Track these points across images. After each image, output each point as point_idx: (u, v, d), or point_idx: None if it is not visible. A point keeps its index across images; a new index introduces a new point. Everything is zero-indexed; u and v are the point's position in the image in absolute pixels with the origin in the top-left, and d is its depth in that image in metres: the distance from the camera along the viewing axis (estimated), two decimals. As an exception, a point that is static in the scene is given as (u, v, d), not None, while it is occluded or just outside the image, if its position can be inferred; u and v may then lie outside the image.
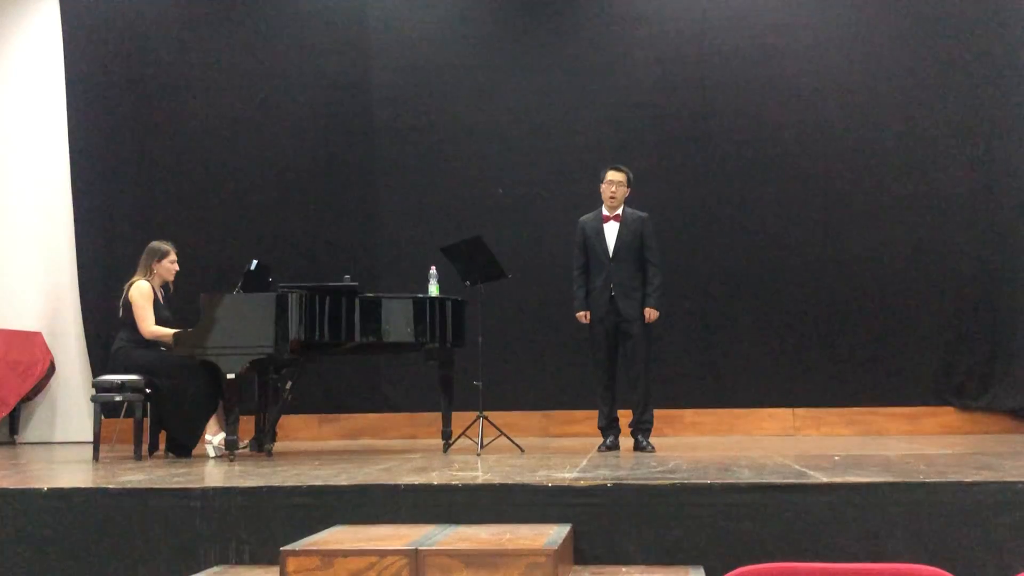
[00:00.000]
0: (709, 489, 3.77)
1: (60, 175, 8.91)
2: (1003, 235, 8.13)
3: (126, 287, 6.37)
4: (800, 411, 8.21)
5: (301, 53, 8.81)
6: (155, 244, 6.56)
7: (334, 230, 8.63)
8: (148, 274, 6.44)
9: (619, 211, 6.35)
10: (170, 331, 6.19)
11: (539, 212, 8.46)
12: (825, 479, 3.87)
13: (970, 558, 3.52)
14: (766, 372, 8.24)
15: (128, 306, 6.31)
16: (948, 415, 8.11)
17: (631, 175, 6.41)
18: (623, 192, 6.35)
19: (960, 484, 3.70)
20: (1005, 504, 3.60)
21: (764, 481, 3.83)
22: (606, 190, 6.34)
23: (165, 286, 6.58)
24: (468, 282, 6.56)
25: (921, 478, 3.82)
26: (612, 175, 6.34)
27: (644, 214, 6.39)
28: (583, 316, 6.34)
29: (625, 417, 6.38)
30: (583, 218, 6.48)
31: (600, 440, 6.32)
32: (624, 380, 6.35)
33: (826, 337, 8.23)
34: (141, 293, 6.30)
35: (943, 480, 3.76)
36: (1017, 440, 6.96)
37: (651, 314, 6.25)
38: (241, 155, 8.77)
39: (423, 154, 8.67)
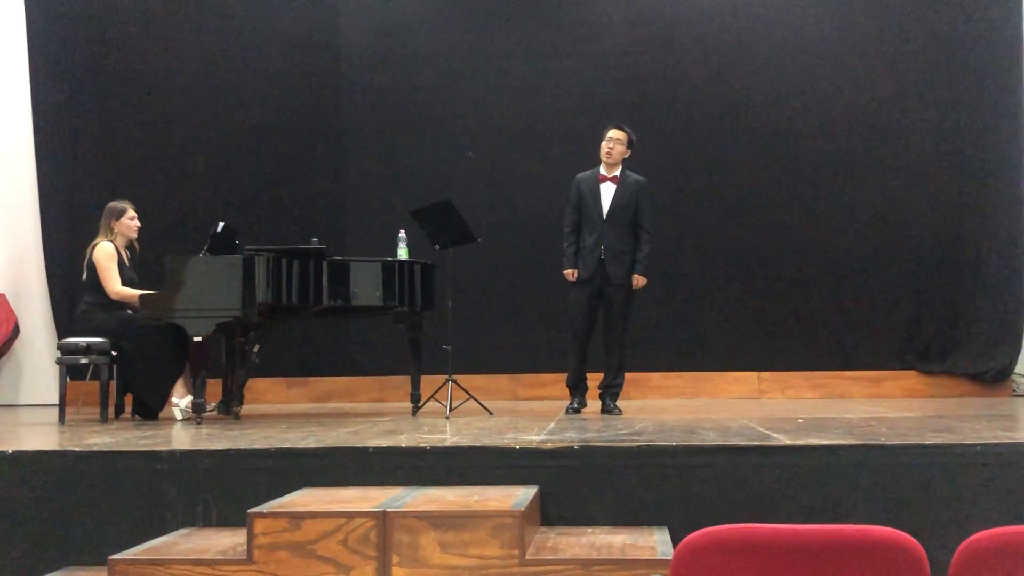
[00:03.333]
0: (674, 451, 3.83)
1: (22, 135, 8.76)
2: (966, 203, 8.23)
3: (89, 249, 6.30)
4: (765, 375, 8.30)
5: (270, 11, 8.69)
6: (112, 203, 6.49)
7: (302, 192, 8.57)
8: (110, 234, 6.37)
9: (617, 172, 6.27)
10: (136, 292, 6.14)
11: (509, 175, 8.44)
12: (788, 441, 3.93)
13: (930, 519, 3.59)
14: (732, 336, 8.32)
15: (92, 268, 6.24)
16: (911, 379, 8.23)
17: (633, 136, 6.30)
18: (620, 151, 6.24)
19: (920, 446, 3.77)
20: (964, 466, 3.68)
21: (728, 443, 3.89)
22: (604, 147, 6.23)
23: (131, 247, 6.51)
24: (437, 246, 6.54)
25: (882, 440, 3.88)
26: (612, 132, 6.22)
27: (642, 178, 6.30)
28: (571, 274, 6.24)
29: (594, 379, 6.41)
30: (579, 175, 6.36)
31: (568, 400, 6.35)
32: (599, 342, 6.35)
33: (791, 302, 8.31)
34: (105, 254, 6.24)
35: (904, 443, 3.82)
36: (977, 403, 7.08)
37: (639, 281, 6.22)
38: (207, 114, 8.66)
39: (392, 116, 8.61)
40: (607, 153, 6.22)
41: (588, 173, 6.35)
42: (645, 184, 6.31)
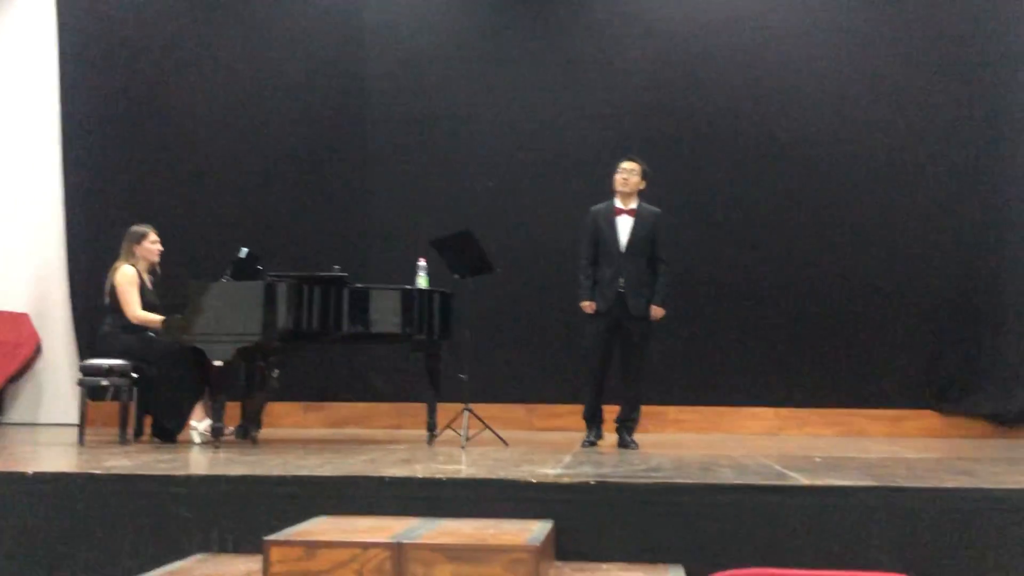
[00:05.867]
0: (690, 489, 3.82)
1: (51, 157, 8.87)
2: (986, 240, 8.19)
3: (110, 272, 6.36)
4: (783, 411, 8.26)
5: (296, 41, 8.78)
6: (134, 227, 6.54)
7: (325, 220, 8.62)
8: (131, 258, 6.43)
9: (633, 204, 6.29)
10: (157, 316, 6.20)
11: (529, 207, 8.46)
12: (805, 481, 3.91)
13: (947, 564, 3.56)
14: (750, 371, 8.28)
15: (113, 291, 6.30)
16: (929, 418, 8.17)
17: (647, 169, 6.34)
18: (635, 181, 6.27)
19: (938, 490, 3.75)
20: (982, 511, 3.65)
21: (745, 482, 3.88)
22: (617, 178, 6.27)
23: (152, 271, 6.56)
24: (457, 275, 6.57)
25: (900, 483, 3.87)
26: (625, 163, 6.28)
27: (658, 209, 6.33)
28: (588, 306, 6.25)
29: (611, 412, 6.40)
30: (595, 207, 6.38)
31: (584, 432, 6.34)
32: (616, 375, 6.34)
33: (810, 338, 8.27)
34: (125, 278, 6.29)
35: (922, 486, 3.81)
36: (996, 445, 7.03)
37: (657, 312, 6.23)
38: (233, 142, 8.74)
39: (415, 146, 8.66)
40: (622, 183, 6.25)
41: (603, 205, 6.37)
42: (662, 215, 6.33)
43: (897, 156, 8.30)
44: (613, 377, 6.38)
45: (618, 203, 6.30)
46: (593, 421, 6.33)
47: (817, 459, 5.17)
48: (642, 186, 6.33)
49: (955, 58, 8.30)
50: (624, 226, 6.26)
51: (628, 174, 6.26)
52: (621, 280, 6.18)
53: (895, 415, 8.17)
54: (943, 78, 8.30)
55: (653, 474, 4.16)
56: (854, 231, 8.28)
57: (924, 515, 3.66)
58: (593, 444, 6.21)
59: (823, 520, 3.69)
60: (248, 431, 6.41)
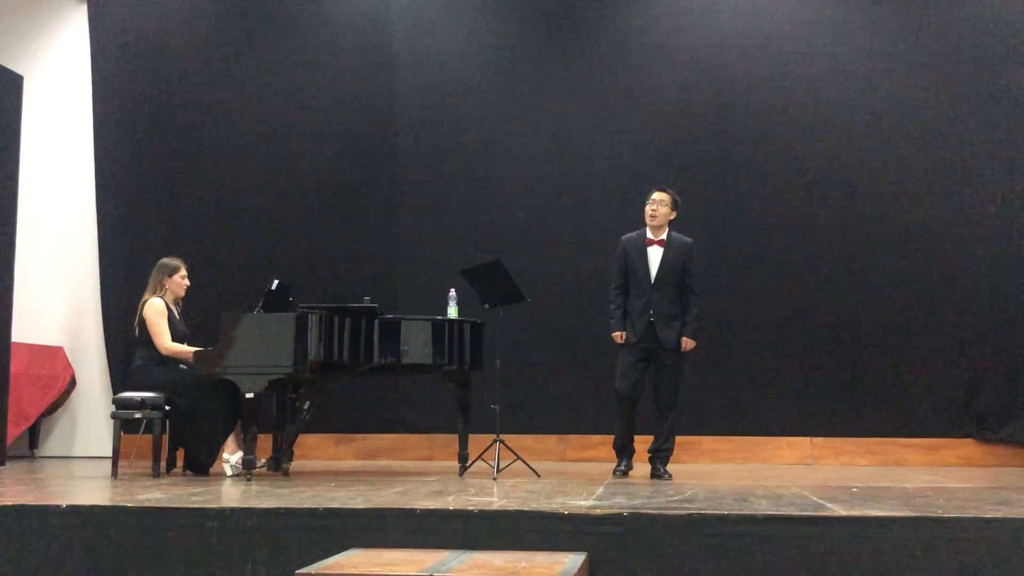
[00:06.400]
0: (725, 520, 3.76)
1: (85, 191, 9.00)
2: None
3: (140, 305, 6.42)
4: (818, 440, 8.16)
5: (326, 73, 8.87)
6: (165, 260, 6.61)
7: (355, 251, 8.67)
8: (160, 290, 6.48)
9: (664, 235, 6.28)
10: (188, 348, 6.24)
11: (560, 236, 8.47)
12: (842, 512, 3.85)
13: (988, 596, 3.49)
14: (785, 400, 8.20)
15: (143, 324, 6.35)
16: (968, 447, 8.03)
17: (677, 199, 6.33)
18: (664, 212, 6.26)
19: (978, 520, 3.67)
20: (1023, 541, 3.58)
21: (781, 513, 3.82)
22: (648, 209, 6.27)
23: (176, 303, 6.61)
24: (487, 305, 6.57)
25: (939, 513, 3.79)
26: (655, 194, 6.27)
27: (690, 239, 6.32)
28: (619, 336, 6.26)
29: (640, 443, 6.36)
30: (625, 236, 6.39)
31: (615, 461, 6.29)
32: (648, 406, 6.30)
33: (845, 366, 8.18)
34: (155, 310, 6.35)
35: (962, 515, 3.73)
36: (1038, 474, 6.90)
37: (688, 344, 6.20)
38: (265, 174, 8.82)
39: (445, 176, 8.70)
40: (651, 216, 6.24)
41: (634, 235, 6.35)
42: (692, 245, 6.31)
43: (933, 180, 8.23)
44: (646, 407, 6.34)
45: (649, 233, 6.29)
46: (624, 452, 6.29)
47: (854, 489, 5.10)
48: (672, 216, 6.30)
49: (991, 82, 8.22)
50: (654, 257, 6.24)
51: (658, 205, 6.25)
52: (651, 311, 6.15)
53: (933, 444, 8.05)
54: (978, 101, 8.23)
55: (687, 505, 4.11)
56: (890, 258, 8.20)
57: (964, 546, 3.59)
58: (624, 474, 6.17)
59: (861, 552, 3.62)
60: (280, 463, 6.41)
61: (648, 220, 6.27)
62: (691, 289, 6.24)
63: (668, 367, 6.19)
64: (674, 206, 6.30)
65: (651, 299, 6.17)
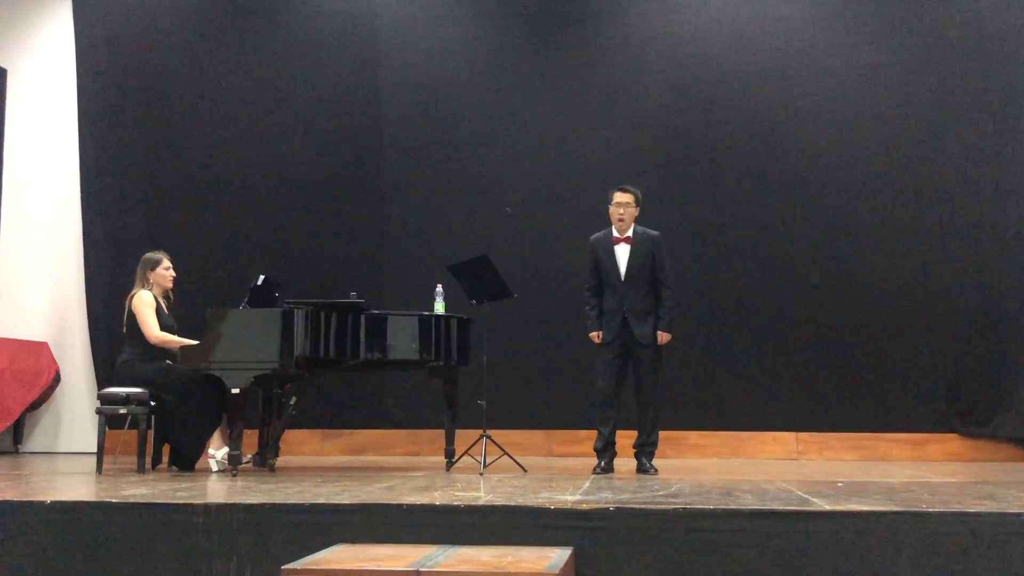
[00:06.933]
0: (711, 514, 3.77)
1: (70, 186, 8.96)
2: (1009, 263, 8.11)
3: (127, 300, 6.41)
4: (804, 435, 8.19)
5: (311, 68, 8.85)
6: (148, 254, 6.60)
7: (341, 247, 8.65)
8: (146, 284, 6.48)
9: (629, 232, 6.32)
10: (176, 338, 6.24)
11: (546, 231, 8.47)
12: (827, 507, 3.86)
13: (972, 589, 3.51)
14: (770, 395, 8.22)
15: (132, 318, 6.34)
16: (953, 442, 8.08)
17: (639, 194, 6.34)
18: (631, 213, 6.30)
19: (963, 514, 3.69)
20: (1008, 536, 3.59)
21: (766, 507, 3.83)
22: (614, 212, 6.30)
23: (166, 296, 6.60)
24: (474, 300, 6.57)
25: (924, 507, 3.81)
26: (619, 196, 6.28)
27: (656, 232, 6.33)
28: (596, 336, 6.28)
29: (625, 438, 6.36)
30: (594, 237, 6.42)
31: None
32: (630, 403, 6.31)
33: (831, 361, 8.21)
34: (143, 301, 6.35)
35: (946, 510, 3.75)
36: (1021, 468, 6.94)
37: (663, 337, 6.21)
38: (250, 170, 8.80)
39: (431, 172, 8.70)
40: (619, 219, 6.26)
41: (602, 234, 6.38)
42: (659, 239, 6.32)
43: (920, 178, 8.25)
44: (629, 403, 6.34)
45: (615, 232, 6.31)
46: (604, 452, 6.24)
47: (839, 484, 5.11)
48: (637, 213, 6.32)
49: (977, 79, 8.25)
50: (622, 254, 6.27)
51: (624, 208, 6.26)
52: (625, 308, 6.18)
53: (918, 439, 8.10)
54: (964, 98, 8.25)
55: (673, 500, 4.12)
56: (875, 254, 8.24)
57: (949, 540, 3.61)
58: (604, 471, 6.11)
59: (846, 546, 3.64)
60: (266, 459, 6.41)
61: (616, 224, 6.29)
62: (663, 283, 6.25)
63: (646, 361, 6.20)
64: (637, 203, 6.32)
65: (623, 296, 6.20)
